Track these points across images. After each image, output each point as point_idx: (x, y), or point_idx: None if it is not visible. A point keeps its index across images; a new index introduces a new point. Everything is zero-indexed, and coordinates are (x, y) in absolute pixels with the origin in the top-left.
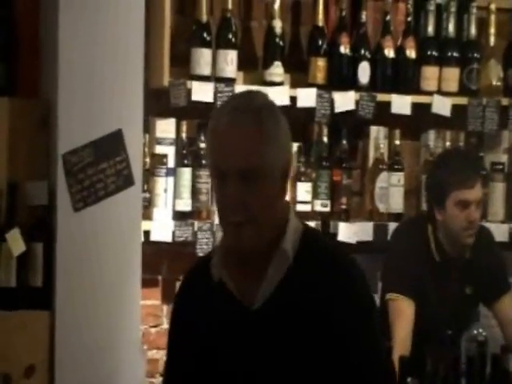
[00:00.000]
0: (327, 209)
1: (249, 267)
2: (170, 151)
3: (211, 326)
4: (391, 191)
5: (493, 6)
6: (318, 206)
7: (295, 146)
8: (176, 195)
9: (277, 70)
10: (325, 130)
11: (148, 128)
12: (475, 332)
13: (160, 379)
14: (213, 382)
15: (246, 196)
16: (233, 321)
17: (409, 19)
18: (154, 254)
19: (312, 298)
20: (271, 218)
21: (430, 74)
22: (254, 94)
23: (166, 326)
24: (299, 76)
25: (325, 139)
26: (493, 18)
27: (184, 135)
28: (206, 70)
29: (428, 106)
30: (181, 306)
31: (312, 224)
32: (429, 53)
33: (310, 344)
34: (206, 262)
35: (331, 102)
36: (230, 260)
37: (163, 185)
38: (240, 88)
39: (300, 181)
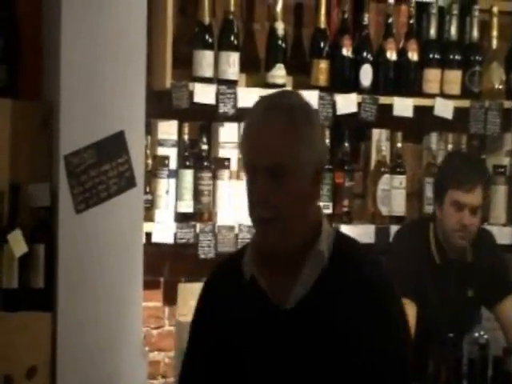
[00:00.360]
0: (329, 211)
1: (282, 267)
2: (172, 153)
3: (240, 324)
4: (393, 194)
5: (495, 9)
6: None
7: None
8: (178, 197)
9: (279, 72)
10: (327, 133)
11: (150, 130)
12: (477, 334)
13: (161, 381)
14: (238, 379)
15: (273, 193)
16: (263, 319)
17: (411, 22)
18: (156, 256)
19: (344, 303)
20: (300, 218)
21: (432, 77)
22: (288, 93)
23: (167, 327)
24: (301, 78)
25: (327, 141)
26: (495, 20)
27: (186, 137)
28: (208, 72)
29: (430, 108)
30: (208, 301)
31: None
32: (431, 55)
33: (340, 347)
34: (237, 258)
35: (333, 105)
36: (263, 258)
37: (165, 186)
38: (242, 90)
39: None
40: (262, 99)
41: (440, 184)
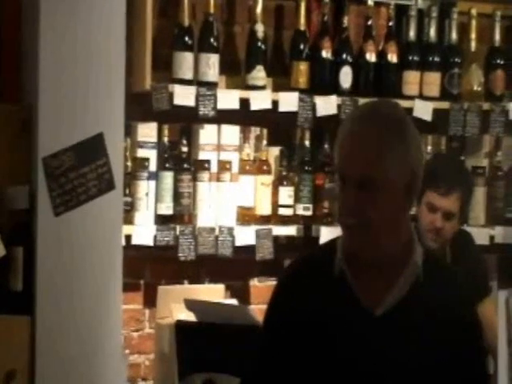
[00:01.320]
0: (309, 213)
1: (374, 273)
2: (151, 155)
3: (326, 322)
4: None
5: (474, 11)
6: (301, 210)
7: (277, 150)
8: (158, 199)
9: (259, 74)
10: (307, 134)
11: (130, 132)
12: None
13: None
14: (318, 378)
15: (361, 202)
16: (352, 321)
17: (390, 24)
18: (136, 258)
19: (434, 314)
20: (389, 228)
21: (411, 79)
22: (387, 104)
23: (148, 330)
24: (281, 80)
25: (307, 143)
26: (474, 23)
27: (166, 139)
28: (188, 74)
29: (410, 110)
30: (288, 298)
31: (294, 228)
32: (410, 57)
33: (428, 357)
34: (327, 252)
35: (313, 107)
36: (354, 261)
37: (145, 188)
38: (222, 92)
39: (282, 185)
40: (362, 107)
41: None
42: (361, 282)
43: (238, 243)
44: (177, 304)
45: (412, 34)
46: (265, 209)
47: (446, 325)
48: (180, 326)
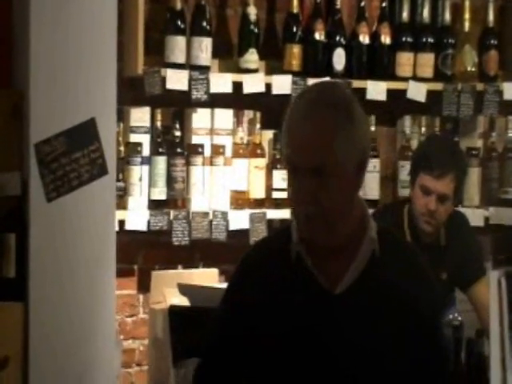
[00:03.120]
0: None
1: (332, 253)
2: (144, 140)
3: (285, 305)
4: (367, 177)
5: None
6: None
7: (270, 134)
8: (151, 184)
9: (252, 57)
10: None
11: (123, 116)
12: (451, 317)
13: (136, 369)
14: (279, 362)
15: (316, 190)
16: (311, 302)
17: (383, 5)
18: (130, 244)
19: (394, 288)
20: (345, 211)
21: (404, 60)
22: (330, 87)
23: (142, 315)
24: (274, 63)
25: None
26: (467, 3)
27: (159, 123)
28: (180, 58)
29: (403, 91)
30: (245, 282)
31: (288, 211)
32: (404, 39)
33: (390, 332)
34: (278, 240)
35: None
36: (310, 244)
37: (138, 173)
38: (215, 76)
39: (276, 168)
40: (305, 92)
41: (414, 165)
42: (319, 264)
43: (232, 227)
44: (171, 289)
45: (405, 15)
46: (258, 192)
47: (403, 300)
48: (174, 311)
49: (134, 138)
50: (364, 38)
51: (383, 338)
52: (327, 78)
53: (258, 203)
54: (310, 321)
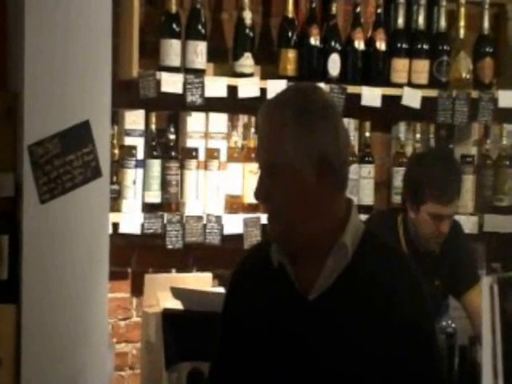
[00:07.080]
0: None
1: (307, 257)
2: (139, 143)
3: (267, 312)
4: (362, 183)
5: None
6: None
7: None
8: (145, 187)
9: (247, 62)
10: None
11: (117, 119)
12: (444, 324)
13: (129, 372)
14: (264, 368)
15: (270, 188)
16: (288, 307)
17: (379, 11)
18: (123, 247)
19: (370, 294)
20: (304, 214)
21: (400, 67)
22: (295, 89)
23: (135, 318)
24: (269, 68)
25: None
26: (463, 10)
27: (153, 127)
28: (175, 62)
29: (398, 98)
30: (236, 291)
31: None
32: (399, 45)
33: (364, 338)
34: (265, 246)
35: None
36: (288, 248)
37: (132, 176)
38: (210, 79)
39: None
40: (277, 94)
41: (418, 190)
42: (297, 269)
43: (226, 231)
44: (164, 292)
45: (400, 21)
46: (253, 197)
47: (377, 307)
48: (167, 314)
49: (128, 140)
50: (359, 44)
51: (356, 345)
52: (322, 84)
53: (253, 208)
54: (286, 326)
